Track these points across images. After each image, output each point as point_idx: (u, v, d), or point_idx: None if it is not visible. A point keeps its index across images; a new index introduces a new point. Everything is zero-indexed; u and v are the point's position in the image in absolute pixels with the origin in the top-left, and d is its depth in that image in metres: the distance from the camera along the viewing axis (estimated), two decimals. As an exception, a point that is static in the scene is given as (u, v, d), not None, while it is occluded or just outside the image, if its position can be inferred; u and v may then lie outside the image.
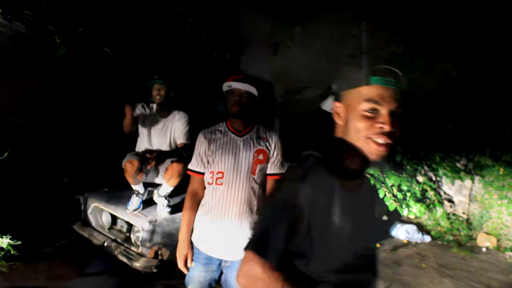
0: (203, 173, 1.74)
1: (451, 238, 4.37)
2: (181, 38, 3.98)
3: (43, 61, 3.05)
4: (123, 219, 2.60)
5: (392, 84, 0.83)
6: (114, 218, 2.77)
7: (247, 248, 0.80)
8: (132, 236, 2.50)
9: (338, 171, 0.84)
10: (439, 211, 4.48)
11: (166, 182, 2.54)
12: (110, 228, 2.76)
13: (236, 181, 1.66)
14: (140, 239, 2.38)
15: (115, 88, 3.67)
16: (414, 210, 4.58)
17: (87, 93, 3.73)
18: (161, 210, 2.56)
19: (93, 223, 2.77)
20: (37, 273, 2.43)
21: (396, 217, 4.58)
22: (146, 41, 3.71)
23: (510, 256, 3.99)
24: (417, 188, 4.58)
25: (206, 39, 4.04)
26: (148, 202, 2.65)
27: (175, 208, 2.56)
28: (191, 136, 2.68)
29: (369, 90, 0.83)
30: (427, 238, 4.35)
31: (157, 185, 2.72)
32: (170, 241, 2.37)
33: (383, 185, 3.99)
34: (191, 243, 1.72)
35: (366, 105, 0.82)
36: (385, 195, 3.89)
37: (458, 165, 4.59)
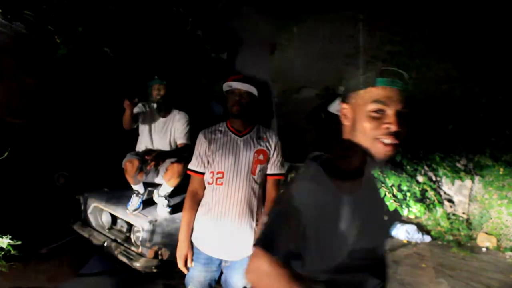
0: (203, 173, 1.74)
1: (451, 238, 4.37)
2: (180, 38, 3.98)
3: (42, 60, 3.05)
4: (123, 219, 2.60)
5: (398, 85, 0.84)
6: (114, 218, 2.77)
7: (256, 244, 0.82)
8: (132, 236, 2.50)
9: (338, 172, 0.84)
10: (439, 211, 4.47)
11: (166, 182, 2.54)
12: (110, 228, 2.76)
13: (236, 181, 1.66)
14: (140, 239, 2.38)
15: (115, 88, 3.67)
16: (414, 210, 4.57)
17: (87, 93, 3.73)
18: (161, 210, 2.56)
19: (93, 223, 2.77)
20: (35, 273, 2.43)
21: (396, 217, 4.58)
22: (146, 41, 3.71)
23: (510, 256, 3.99)
24: (417, 188, 4.58)
25: (204, 39, 4.04)
26: (148, 202, 2.65)
27: (175, 208, 2.56)
28: (191, 136, 2.68)
29: (375, 91, 0.84)
30: (427, 238, 4.34)
31: (157, 185, 2.72)
32: (170, 241, 2.37)
33: (383, 185, 3.99)
34: (191, 243, 1.72)
35: (372, 106, 0.83)
36: (385, 195, 3.89)
37: (458, 165, 4.58)
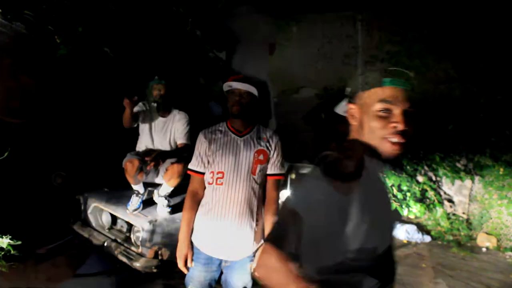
0: (203, 173, 1.74)
1: (451, 238, 4.37)
2: (180, 38, 3.97)
3: (42, 60, 3.05)
4: (123, 219, 2.60)
5: (404, 84, 0.86)
6: (114, 218, 2.77)
7: (266, 240, 0.84)
8: (132, 236, 2.50)
9: (336, 173, 0.85)
10: (439, 211, 4.48)
11: (166, 182, 2.55)
12: (110, 228, 2.76)
13: (236, 181, 1.66)
14: (140, 239, 2.38)
15: (115, 87, 3.67)
16: (414, 210, 4.58)
17: (87, 93, 3.73)
18: (161, 210, 2.56)
19: (93, 223, 2.77)
20: (34, 273, 2.42)
21: (396, 217, 4.58)
22: (146, 41, 3.71)
23: (510, 256, 3.99)
24: (417, 188, 4.58)
25: (203, 39, 4.04)
26: (148, 202, 2.65)
27: (175, 208, 2.56)
28: (191, 136, 2.68)
29: (382, 91, 0.86)
30: (427, 238, 4.34)
31: (157, 185, 2.72)
32: (170, 241, 2.37)
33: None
34: (191, 243, 1.72)
35: (380, 106, 0.86)
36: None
37: (458, 165, 4.59)
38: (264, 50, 3.36)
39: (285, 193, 2.87)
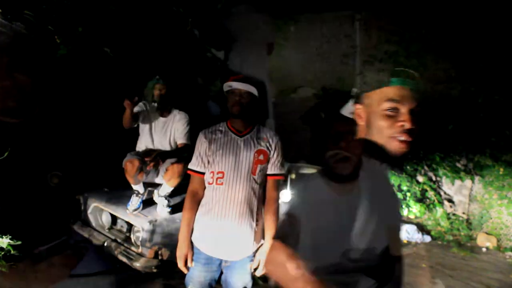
0: (203, 173, 1.74)
1: (451, 238, 4.37)
2: (180, 38, 3.98)
3: (40, 60, 3.04)
4: (123, 219, 2.60)
5: (411, 84, 0.88)
6: (114, 218, 2.77)
7: (274, 237, 0.88)
8: (132, 236, 2.50)
9: (333, 173, 0.87)
10: (439, 211, 4.48)
11: (166, 182, 2.54)
12: (110, 228, 2.76)
13: (236, 181, 1.66)
14: (140, 239, 2.38)
15: (115, 88, 3.66)
16: (414, 210, 4.58)
17: (87, 92, 3.73)
18: (161, 210, 2.56)
19: (93, 223, 2.77)
20: (29, 274, 2.41)
21: (396, 217, 4.57)
22: (146, 41, 3.71)
23: (510, 256, 3.99)
24: (417, 188, 4.58)
25: (202, 39, 4.04)
26: (148, 202, 2.65)
27: (175, 208, 2.56)
28: (191, 136, 2.68)
29: (389, 91, 0.88)
30: (427, 238, 4.34)
31: (157, 185, 2.71)
32: (170, 241, 2.37)
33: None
34: (191, 243, 1.72)
35: (387, 105, 0.87)
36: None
37: (458, 165, 4.59)
38: (262, 49, 3.36)
39: (285, 193, 2.87)
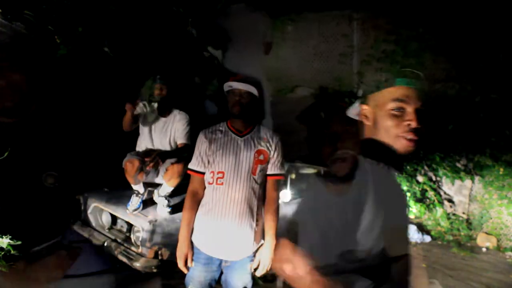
0: (203, 173, 1.74)
1: (451, 238, 4.37)
2: (179, 38, 3.98)
3: (37, 59, 3.04)
4: (123, 219, 2.60)
5: (416, 84, 0.90)
6: (114, 218, 2.77)
7: (282, 235, 0.89)
8: (132, 236, 2.50)
9: (331, 175, 0.88)
10: (439, 211, 4.47)
11: (166, 182, 2.55)
12: (110, 228, 2.76)
13: (236, 181, 1.66)
14: (140, 239, 2.38)
15: (115, 87, 3.66)
16: (414, 210, 4.58)
17: (87, 92, 3.73)
18: (161, 210, 2.56)
19: (93, 223, 2.77)
20: (24, 275, 2.39)
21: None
22: (146, 41, 3.71)
23: (510, 256, 3.99)
24: (417, 188, 4.58)
25: (199, 38, 4.04)
26: (148, 202, 2.65)
27: (175, 208, 2.56)
28: (191, 136, 2.68)
29: (395, 91, 0.90)
30: (427, 238, 4.34)
31: (157, 185, 2.71)
32: (170, 241, 2.37)
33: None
34: (191, 243, 1.72)
35: (393, 105, 0.89)
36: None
37: (458, 165, 4.58)
38: (260, 49, 3.36)
39: (285, 193, 2.87)
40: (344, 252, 0.85)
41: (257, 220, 1.71)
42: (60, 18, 2.96)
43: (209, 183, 1.71)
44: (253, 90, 1.74)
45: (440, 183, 4.75)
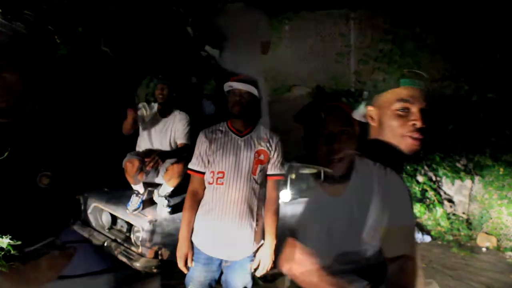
0: (203, 173, 1.74)
1: (451, 238, 4.37)
2: (178, 38, 3.98)
3: (35, 59, 3.04)
4: (123, 219, 2.60)
5: (420, 85, 0.92)
6: (114, 218, 2.76)
7: (289, 235, 0.91)
8: (132, 236, 2.50)
9: (327, 175, 0.90)
10: (439, 211, 4.47)
11: (166, 182, 2.54)
12: (110, 228, 2.76)
13: (236, 181, 1.66)
14: (140, 239, 2.38)
15: (115, 87, 3.66)
16: (414, 210, 4.57)
17: (87, 92, 3.73)
18: (161, 210, 2.55)
19: (93, 223, 2.77)
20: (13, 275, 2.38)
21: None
22: (146, 41, 3.71)
23: (510, 256, 3.99)
24: (417, 188, 4.58)
25: (198, 38, 4.04)
26: (148, 202, 2.65)
27: (175, 208, 2.56)
28: (191, 136, 2.68)
29: (400, 91, 0.92)
30: (427, 238, 4.34)
31: (157, 185, 2.71)
32: (170, 241, 2.37)
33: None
34: (191, 243, 1.72)
35: (398, 105, 0.91)
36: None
37: (458, 165, 4.58)
38: (257, 48, 3.36)
39: (285, 193, 2.87)
40: (341, 253, 0.86)
41: (257, 220, 1.71)
42: (60, 18, 2.96)
43: (209, 183, 1.71)
44: (254, 90, 1.74)
45: (440, 183, 4.75)
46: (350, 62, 5.12)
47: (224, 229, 1.65)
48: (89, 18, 3.10)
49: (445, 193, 4.74)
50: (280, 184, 1.82)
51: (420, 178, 4.70)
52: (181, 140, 2.68)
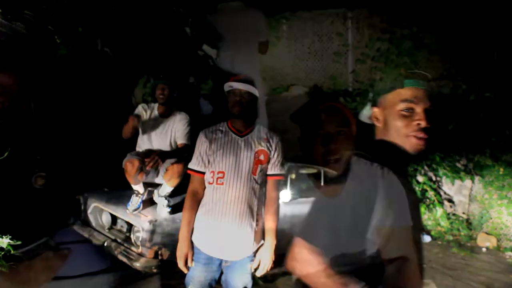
0: (203, 173, 1.74)
1: (451, 238, 4.37)
2: (178, 38, 3.98)
3: (33, 59, 3.03)
4: (123, 219, 2.60)
5: (424, 85, 0.94)
6: (114, 218, 2.77)
7: (297, 234, 0.91)
8: (132, 236, 2.50)
9: (323, 176, 0.90)
10: (439, 211, 4.47)
11: (166, 182, 2.54)
12: (110, 228, 2.76)
13: (237, 181, 1.66)
14: (140, 239, 2.38)
15: (115, 87, 3.66)
16: (414, 210, 4.56)
17: (87, 92, 3.73)
18: (161, 210, 2.55)
19: (93, 223, 2.77)
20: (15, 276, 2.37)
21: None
22: (145, 41, 3.71)
23: (510, 256, 3.99)
24: (417, 188, 4.57)
25: (197, 37, 4.04)
26: (148, 202, 2.65)
27: (175, 208, 2.56)
28: (191, 136, 2.68)
29: (404, 92, 0.94)
30: (427, 238, 4.34)
31: (157, 185, 2.71)
32: (170, 241, 2.37)
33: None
34: (192, 242, 1.72)
35: (402, 105, 0.93)
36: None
37: (458, 165, 4.58)
38: (255, 48, 3.36)
39: (285, 193, 2.87)
40: (340, 254, 0.86)
41: (257, 220, 1.71)
42: (60, 18, 2.96)
43: (209, 183, 1.71)
44: (254, 90, 1.74)
45: (440, 183, 4.75)
46: (347, 62, 5.12)
47: (224, 229, 1.65)
48: (89, 18, 3.10)
49: (445, 193, 4.74)
50: (280, 184, 1.82)
51: (420, 178, 4.70)
52: (181, 140, 2.68)
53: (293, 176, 3.02)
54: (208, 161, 1.73)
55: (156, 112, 2.77)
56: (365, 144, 1.01)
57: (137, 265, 2.34)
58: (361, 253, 0.88)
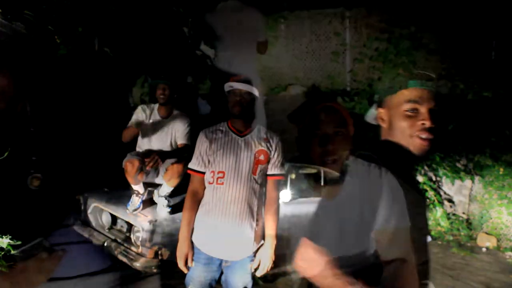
0: (203, 173, 1.74)
1: (451, 238, 4.36)
2: (177, 38, 3.98)
3: (31, 59, 3.04)
4: (123, 219, 2.60)
5: (428, 85, 0.94)
6: (114, 218, 2.77)
7: (304, 235, 0.91)
8: (132, 236, 2.50)
9: (321, 176, 0.91)
10: (439, 211, 4.47)
11: (166, 182, 2.55)
12: (110, 228, 2.76)
13: (237, 181, 1.66)
14: (140, 239, 2.38)
15: (115, 87, 3.66)
16: (414, 210, 4.56)
17: (87, 92, 3.73)
18: (161, 210, 2.56)
19: (93, 223, 2.77)
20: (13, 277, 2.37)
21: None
22: (146, 41, 3.71)
23: (510, 256, 3.99)
24: (417, 188, 4.57)
25: (196, 37, 4.04)
26: (148, 202, 2.65)
27: (175, 208, 2.56)
28: (191, 136, 2.68)
29: (408, 93, 0.94)
30: (427, 238, 4.34)
31: (157, 185, 2.71)
32: (170, 241, 2.37)
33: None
34: (192, 242, 1.72)
35: (407, 106, 0.93)
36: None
37: (458, 165, 4.58)
38: (253, 47, 3.36)
39: (285, 193, 2.87)
40: (345, 254, 0.86)
41: (257, 220, 1.71)
42: (60, 18, 2.96)
43: (210, 183, 1.71)
44: (254, 90, 1.74)
45: (440, 183, 4.75)
46: (345, 61, 5.13)
47: (224, 229, 1.65)
48: (89, 18, 3.10)
49: (445, 193, 4.74)
50: (280, 184, 1.82)
51: (420, 178, 4.70)
52: (181, 140, 2.68)
53: (293, 176, 3.02)
54: (208, 161, 1.73)
55: (156, 113, 2.77)
56: (370, 145, 1.02)
57: (137, 265, 2.34)
58: (366, 252, 0.88)
